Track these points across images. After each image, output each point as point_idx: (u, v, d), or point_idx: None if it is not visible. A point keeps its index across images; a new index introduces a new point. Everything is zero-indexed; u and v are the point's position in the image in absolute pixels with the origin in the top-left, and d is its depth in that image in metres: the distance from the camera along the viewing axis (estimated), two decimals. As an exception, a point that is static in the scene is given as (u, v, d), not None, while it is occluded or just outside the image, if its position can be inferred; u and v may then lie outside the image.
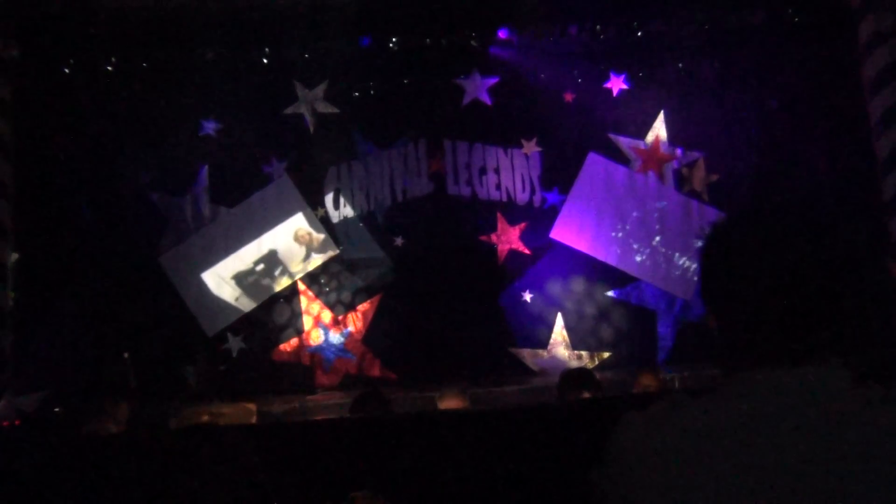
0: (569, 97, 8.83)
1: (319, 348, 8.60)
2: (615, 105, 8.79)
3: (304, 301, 8.65)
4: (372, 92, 8.80)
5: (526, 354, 8.64)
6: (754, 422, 0.97)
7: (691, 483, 0.97)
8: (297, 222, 8.54)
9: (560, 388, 4.12)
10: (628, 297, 8.82)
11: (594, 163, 8.68)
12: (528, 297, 8.75)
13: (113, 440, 2.80)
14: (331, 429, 2.70)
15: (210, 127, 8.56)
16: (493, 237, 8.82)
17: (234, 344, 8.44)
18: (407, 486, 2.32)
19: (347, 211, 8.75)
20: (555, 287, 8.80)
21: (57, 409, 6.62)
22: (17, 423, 6.17)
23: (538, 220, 8.75)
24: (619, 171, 8.79)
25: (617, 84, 8.77)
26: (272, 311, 8.61)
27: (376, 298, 8.68)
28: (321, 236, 8.53)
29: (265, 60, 8.42)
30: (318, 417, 6.45)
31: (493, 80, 8.64)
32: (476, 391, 6.32)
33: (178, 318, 8.24)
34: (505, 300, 8.73)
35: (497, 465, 2.36)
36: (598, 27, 8.46)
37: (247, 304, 8.44)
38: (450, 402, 4.36)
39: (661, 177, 8.86)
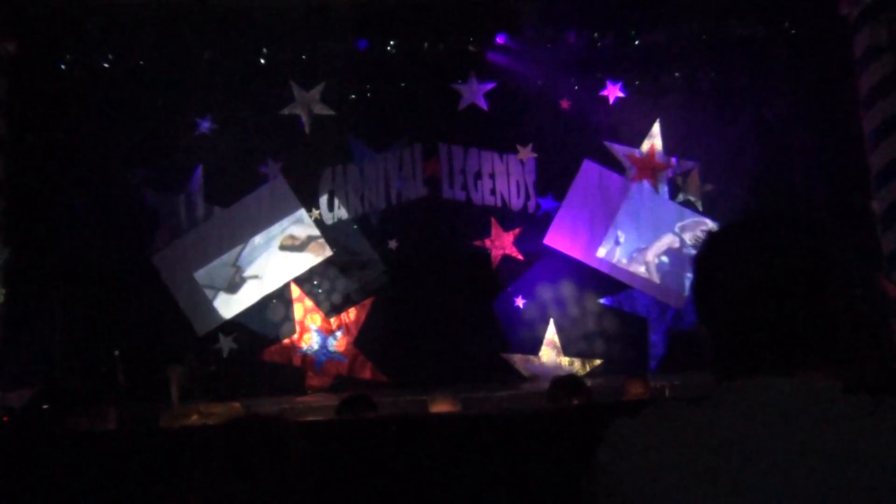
0: (565, 104, 8.85)
1: (311, 350, 8.58)
2: (611, 113, 8.81)
3: (296, 302, 8.63)
4: (368, 95, 8.80)
5: (517, 360, 8.64)
6: (744, 430, 0.98)
7: (681, 491, 0.97)
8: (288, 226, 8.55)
9: (550, 394, 4.12)
10: (620, 304, 8.83)
11: (589, 170, 8.70)
12: (520, 302, 8.76)
13: (104, 438, 2.79)
14: (320, 431, 2.69)
15: (206, 126, 8.56)
16: (487, 242, 8.82)
17: (225, 344, 8.43)
18: (396, 490, 2.32)
19: (342, 213, 8.74)
20: (547, 293, 8.80)
21: (45, 407, 6.58)
22: (4, 419, 6.13)
23: (532, 226, 8.76)
24: (614, 178, 8.81)
25: (613, 92, 8.80)
26: (264, 311, 8.59)
27: (369, 301, 8.67)
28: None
29: (262, 61, 8.42)
30: (308, 419, 6.43)
31: (489, 86, 8.66)
32: (467, 395, 6.32)
33: (170, 317, 8.22)
34: (497, 305, 8.73)
35: (484, 470, 2.36)
36: (595, 35, 8.50)
37: (237, 305, 8.43)
38: (441, 406, 4.36)
39: (655, 185, 8.89)
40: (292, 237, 8.55)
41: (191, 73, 8.28)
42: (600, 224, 8.71)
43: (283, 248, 8.52)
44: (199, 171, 8.58)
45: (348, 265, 8.74)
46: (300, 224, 8.56)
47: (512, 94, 8.70)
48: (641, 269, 8.69)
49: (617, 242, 8.71)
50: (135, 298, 8.11)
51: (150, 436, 2.65)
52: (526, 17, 8.14)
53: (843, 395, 0.98)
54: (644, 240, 8.71)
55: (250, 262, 8.50)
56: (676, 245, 8.63)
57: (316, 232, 8.56)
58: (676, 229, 8.67)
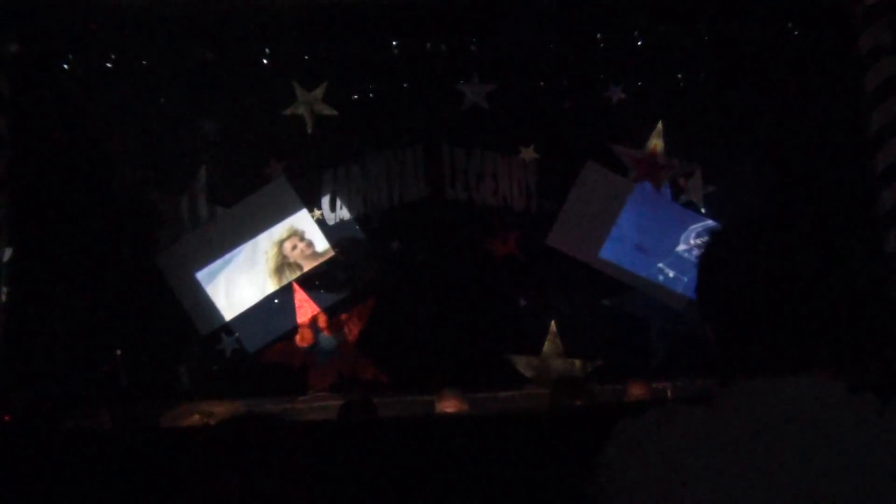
0: (567, 105, 8.83)
1: (312, 349, 8.58)
2: (614, 114, 8.80)
3: (297, 302, 8.64)
4: (371, 95, 8.80)
5: (519, 361, 8.63)
6: (749, 432, 0.97)
7: (684, 493, 0.97)
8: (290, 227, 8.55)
9: (552, 395, 4.13)
10: (622, 305, 8.81)
11: (591, 171, 8.69)
12: (522, 303, 8.75)
13: (105, 438, 2.79)
14: (322, 431, 2.69)
15: (209, 126, 8.57)
16: (489, 243, 8.81)
17: (228, 343, 8.44)
18: (396, 492, 2.31)
19: (344, 213, 8.74)
20: (549, 294, 8.79)
21: (46, 406, 6.60)
22: (5, 418, 6.15)
23: (534, 226, 8.74)
24: (616, 180, 8.80)
25: (616, 93, 8.77)
26: (266, 311, 8.59)
27: (371, 301, 8.66)
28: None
29: (265, 61, 8.42)
30: (310, 419, 6.44)
31: (492, 87, 8.65)
32: (469, 396, 6.33)
33: (172, 316, 8.22)
34: (499, 306, 8.72)
35: (485, 471, 2.35)
36: (598, 36, 8.48)
37: (239, 306, 8.43)
38: (448, 404, 4.37)
39: (657, 187, 8.88)
40: (294, 237, 8.56)
41: (193, 74, 8.28)
42: (602, 225, 8.69)
43: (283, 247, 8.54)
44: (202, 172, 8.60)
45: (350, 265, 8.74)
46: (302, 224, 8.57)
47: (514, 95, 8.69)
48: (643, 271, 8.68)
49: (619, 243, 8.70)
50: (138, 298, 8.12)
51: (150, 436, 2.65)
52: (528, 17, 8.12)
53: (849, 396, 0.97)
54: (646, 241, 8.69)
55: (252, 262, 8.51)
56: (678, 247, 8.61)
57: (318, 232, 8.57)
58: (679, 231, 8.66)
